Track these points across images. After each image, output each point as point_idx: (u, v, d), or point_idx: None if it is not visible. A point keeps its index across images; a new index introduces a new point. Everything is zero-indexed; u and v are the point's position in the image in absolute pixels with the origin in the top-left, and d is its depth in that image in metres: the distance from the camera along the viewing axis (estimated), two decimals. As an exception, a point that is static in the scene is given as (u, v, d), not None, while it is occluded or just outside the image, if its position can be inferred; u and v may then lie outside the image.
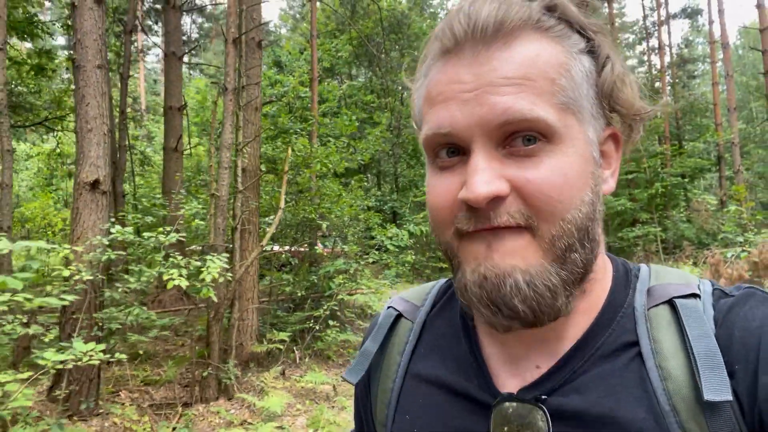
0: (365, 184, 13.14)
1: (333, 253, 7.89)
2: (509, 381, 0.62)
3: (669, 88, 22.46)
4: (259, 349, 6.27)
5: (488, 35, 0.54)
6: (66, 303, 3.10)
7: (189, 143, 9.95)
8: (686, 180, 18.09)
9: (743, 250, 8.61)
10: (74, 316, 4.50)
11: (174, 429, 4.77)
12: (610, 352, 0.58)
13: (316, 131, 9.29)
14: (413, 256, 9.72)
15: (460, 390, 0.64)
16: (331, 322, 6.85)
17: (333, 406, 5.33)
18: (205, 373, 5.14)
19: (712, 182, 24.23)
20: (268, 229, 5.70)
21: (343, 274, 7.51)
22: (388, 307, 0.78)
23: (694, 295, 0.59)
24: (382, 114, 16.48)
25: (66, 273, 3.89)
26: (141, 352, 3.89)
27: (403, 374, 0.70)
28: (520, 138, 0.53)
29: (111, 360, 3.82)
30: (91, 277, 3.95)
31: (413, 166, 18.72)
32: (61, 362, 3.33)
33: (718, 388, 0.51)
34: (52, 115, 11.48)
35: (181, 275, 4.35)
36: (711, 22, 22.71)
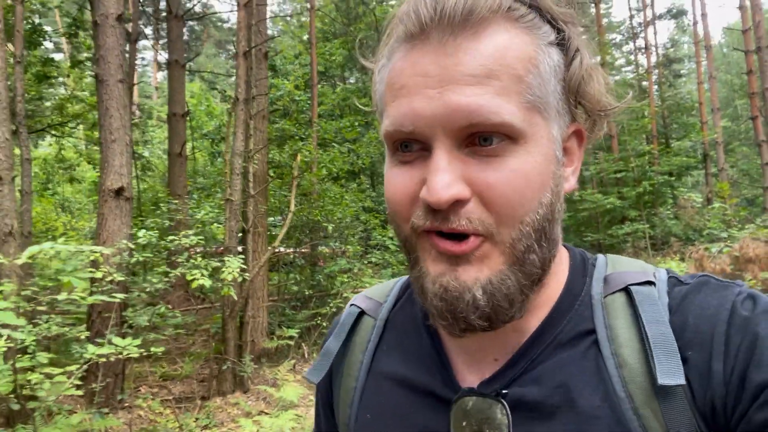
0: (364, 186, 13.47)
1: (336, 253, 8.23)
2: (469, 376, 0.62)
3: (656, 87, 22.99)
4: (270, 345, 6.61)
5: (456, 23, 0.52)
6: (117, 300, 3.41)
7: (193, 149, 10.23)
8: (673, 178, 18.58)
9: (726, 246, 9.04)
10: (103, 315, 4.81)
11: (197, 419, 5.10)
12: (567, 340, 0.59)
13: (316, 136, 9.61)
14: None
15: (423, 387, 0.64)
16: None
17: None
18: (224, 367, 5.46)
19: (699, 179, 24.80)
20: (278, 232, 6.03)
21: (347, 273, 7.86)
22: (351, 305, 0.77)
23: (650, 283, 0.60)
24: (376, 117, 16.80)
25: (99, 275, 4.20)
26: (161, 349, 4.19)
27: (365, 373, 0.70)
28: (483, 136, 0.52)
29: (146, 354, 4.15)
30: (123, 278, 4.26)
31: (407, 167, 19.06)
32: (103, 355, 3.66)
33: (671, 372, 0.52)
34: (55, 122, 11.73)
35: (203, 275, 4.68)
36: (695, 23, 23.28)
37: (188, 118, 10.38)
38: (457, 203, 0.52)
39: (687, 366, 0.53)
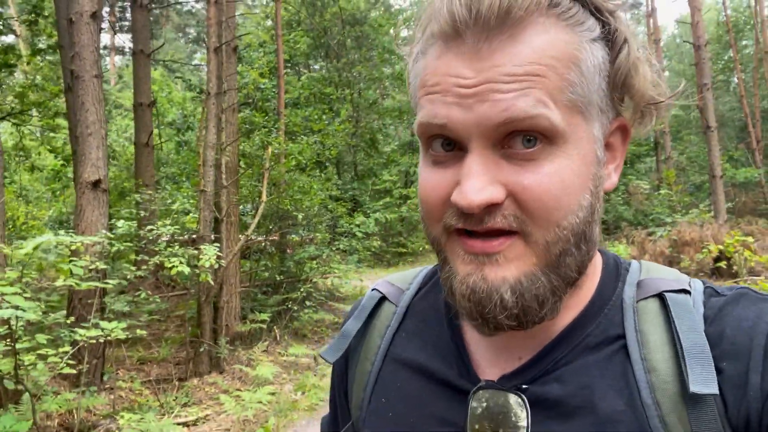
0: (333, 175, 13.79)
1: (304, 240, 8.57)
2: (490, 370, 0.62)
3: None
4: (243, 329, 6.93)
5: (492, 25, 0.50)
6: (110, 286, 3.69)
7: (160, 138, 10.32)
8: (626, 165, 19.50)
9: (666, 230, 9.75)
10: (83, 301, 5.05)
11: (176, 398, 5.40)
12: (595, 344, 0.58)
13: (283, 126, 9.86)
14: (378, 242, 10.50)
15: (439, 376, 0.64)
16: (308, 302, 7.58)
17: (316, 374, 6.07)
18: (201, 349, 5.76)
19: (652, 166, 25.93)
20: (249, 221, 6.32)
21: (316, 259, 8.22)
22: (373, 290, 0.77)
23: (685, 291, 0.59)
24: (342, 105, 17.08)
25: (82, 263, 4.44)
26: (143, 332, 4.47)
27: (382, 357, 0.70)
28: (519, 139, 0.51)
29: (123, 339, 4.42)
30: (105, 267, 4.52)
31: (372, 155, 19.43)
32: (93, 337, 3.94)
33: (704, 381, 0.50)
34: (16, 110, 11.59)
35: (181, 263, 4.96)
36: (648, 15, 24.21)
37: (153, 109, 10.45)
38: (491, 207, 0.51)
39: (721, 377, 0.52)
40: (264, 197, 6.38)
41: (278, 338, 7.30)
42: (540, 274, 0.53)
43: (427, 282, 0.75)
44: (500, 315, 0.53)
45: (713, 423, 0.51)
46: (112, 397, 5.32)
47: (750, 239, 8.76)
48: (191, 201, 6.40)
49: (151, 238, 5.38)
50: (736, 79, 22.85)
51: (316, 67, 21.47)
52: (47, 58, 12.67)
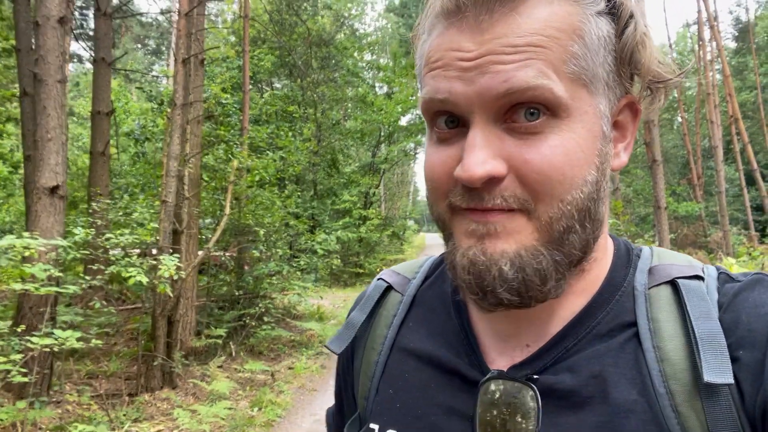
0: (295, 193, 13.77)
1: (263, 256, 8.53)
2: (499, 358, 0.61)
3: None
4: (199, 344, 6.80)
5: (492, 0, 0.50)
6: (71, 291, 3.60)
7: (117, 148, 10.10)
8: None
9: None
10: (34, 309, 4.87)
11: (125, 414, 5.23)
12: (606, 331, 0.57)
13: (245, 142, 9.85)
14: (338, 261, 10.51)
15: (448, 366, 0.63)
16: (265, 319, 7.51)
17: (273, 390, 6.00)
18: (155, 363, 5.63)
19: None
20: (210, 235, 6.27)
21: (275, 275, 8.17)
22: (378, 279, 0.77)
23: (698, 277, 0.58)
24: (304, 124, 17.15)
25: (42, 267, 4.30)
26: (99, 342, 4.33)
27: (389, 347, 0.69)
28: (522, 111, 0.50)
29: (79, 349, 4.29)
30: (61, 274, 4.40)
31: (332, 175, 19.50)
32: (47, 346, 3.81)
33: (719, 370, 0.49)
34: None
35: (139, 273, 4.88)
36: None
37: (111, 118, 10.25)
38: (492, 180, 0.51)
39: (737, 365, 0.50)
40: (227, 211, 6.35)
41: (234, 354, 7.19)
42: (542, 248, 0.52)
43: (433, 271, 0.75)
44: (499, 288, 0.52)
45: (729, 414, 0.50)
46: (59, 411, 5.12)
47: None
48: (150, 212, 6.29)
49: (108, 247, 5.26)
50: (680, 118, 24.28)
51: (278, 85, 21.51)
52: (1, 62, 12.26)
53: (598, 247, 0.59)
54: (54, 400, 5.15)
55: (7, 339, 3.68)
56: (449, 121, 0.54)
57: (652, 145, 13.17)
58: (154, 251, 5.92)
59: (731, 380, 0.49)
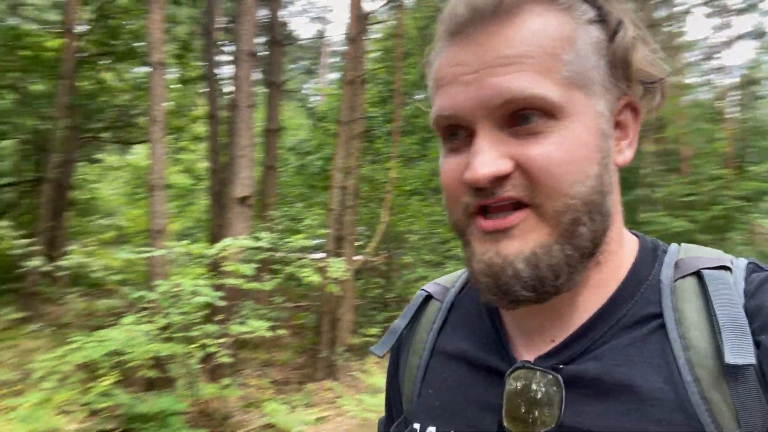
0: (440, 200, 14.16)
1: (415, 262, 8.95)
2: (527, 353, 0.64)
3: (737, 109, 22.35)
4: (355, 341, 7.38)
5: (487, 16, 0.55)
6: (268, 287, 4.25)
7: (285, 162, 11.24)
8: (750, 203, 18.02)
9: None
10: (228, 302, 5.71)
11: (297, 400, 5.91)
12: (631, 323, 0.59)
13: (396, 153, 10.41)
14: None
15: (480, 362, 0.66)
16: (416, 322, 7.90)
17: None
18: (320, 356, 6.26)
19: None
20: (371, 242, 6.80)
21: (423, 280, 8.55)
22: (421, 290, 0.81)
23: (725, 268, 0.59)
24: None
25: (249, 268, 4.99)
26: (283, 331, 5.02)
27: (429, 351, 0.73)
28: (522, 116, 0.54)
29: (259, 338, 4.97)
30: (252, 274, 5.14)
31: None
32: (242, 333, 4.50)
33: (740, 352, 0.50)
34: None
35: (314, 273, 5.50)
36: (780, 46, 22.50)
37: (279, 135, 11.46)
38: (500, 179, 0.54)
39: (761, 350, 0.51)
40: (385, 218, 6.84)
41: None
42: (554, 243, 0.55)
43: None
44: (515, 286, 0.55)
45: (755, 396, 0.51)
46: (242, 392, 5.93)
47: None
48: (317, 219, 6.99)
49: (287, 250, 5.98)
50: None
51: (419, 96, 22.10)
52: (191, 87, 14.29)
53: (611, 239, 0.62)
54: (238, 382, 5.98)
55: (199, 328, 4.35)
56: (458, 133, 0.59)
57: None
58: (314, 255, 6.59)
59: (753, 360, 0.50)
